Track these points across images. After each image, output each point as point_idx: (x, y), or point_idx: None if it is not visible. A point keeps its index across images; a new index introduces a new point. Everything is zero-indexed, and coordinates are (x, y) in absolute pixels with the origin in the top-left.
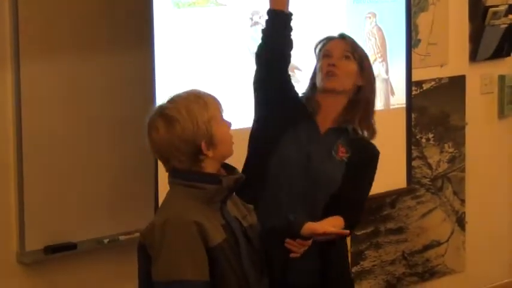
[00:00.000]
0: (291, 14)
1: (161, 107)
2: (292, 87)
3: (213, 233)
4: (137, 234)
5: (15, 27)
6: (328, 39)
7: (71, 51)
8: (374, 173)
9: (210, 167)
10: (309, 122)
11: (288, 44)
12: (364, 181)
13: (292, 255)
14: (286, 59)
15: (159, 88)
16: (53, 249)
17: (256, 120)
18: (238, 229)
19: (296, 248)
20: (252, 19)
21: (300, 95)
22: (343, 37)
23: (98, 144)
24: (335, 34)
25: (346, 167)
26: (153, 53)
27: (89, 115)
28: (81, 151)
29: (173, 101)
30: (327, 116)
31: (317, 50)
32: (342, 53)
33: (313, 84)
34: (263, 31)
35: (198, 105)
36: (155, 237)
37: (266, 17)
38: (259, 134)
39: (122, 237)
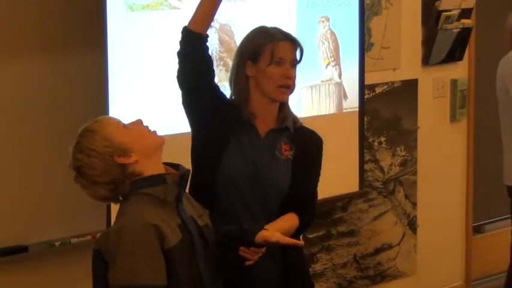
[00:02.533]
0: (207, 36)
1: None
2: (223, 96)
3: (169, 235)
4: (88, 237)
5: None
6: (278, 39)
7: (24, 51)
8: (321, 160)
9: (147, 169)
10: (249, 128)
11: (206, 62)
12: (312, 174)
13: (247, 263)
14: (208, 75)
15: (111, 90)
16: (3, 252)
17: (195, 137)
18: (194, 229)
19: (250, 256)
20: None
21: (229, 96)
22: (291, 39)
23: (48, 146)
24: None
25: (292, 164)
26: (107, 55)
27: (40, 117)
28: (31, 153)
29: (72, 149)
30: (266, 119)
31: (257, 47)
32: (291, 60)
33: (245, 83)
34: (179, 53)
35: (86, 139)
36: (111, 242)
37: (180, 37)
38: (202, 150)
39: (73, 240)
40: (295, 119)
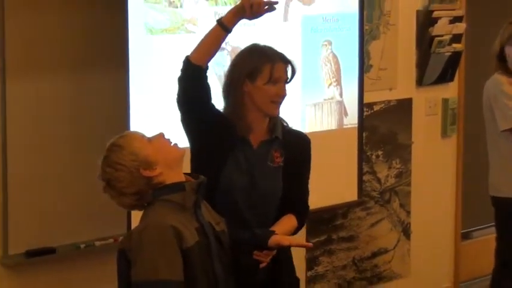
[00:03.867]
0: (207, 68)
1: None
2: (219, 115)
3: (187, 236)
4: (111, 240)
5: (1, 49)
6: (275, 61)
7: (53, 71)
8: (310, 159)
9: (169, 178)
10: (242, 143)
11: (204, 90)
12: (304, 175)
13: (261, 265)
14: (206, 101)
15: (132, 105)
16: (33, 253)
17: (194, 154)
18: (211, 232)
19: (264, 258)
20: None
21: (222, 110)
22: (283, 59)
23: (75, 156)
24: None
25: (283, 169)
26: (128, 73)
27: (67, 129)
28: (60, 163)
29: (102, 163)
30: (258, 131)
31: (255, 67)
32: (285, 80)
33: (241, 98)
34: (179, 79)
35: (114, 153)
36: (134, 242)
37: (181, 66)
38: (200, 167)
39: (97, 243)
40: (283, 124)
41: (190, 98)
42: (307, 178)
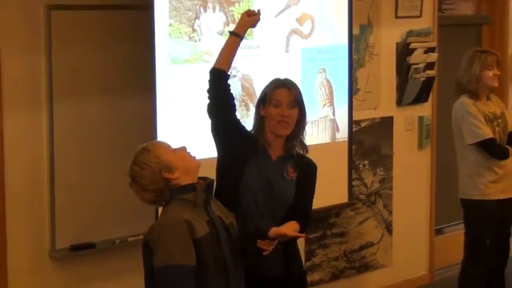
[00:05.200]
0: (229, 75)
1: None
2: (243, 127)
3: (198, 228)
4: (141, 237)
5: (49, 76)
6: (275, 87)
7: (92, 95)
8: (315, 182)
9: (184, 181)
10: (263, 153)
11: (229, 96)
12: (311, 192)
13: (264, 253)
14: (231, 108)
15: (159, 124)
16: (76, 248)
17: (220, 158)
18: (220, 224)
19: (266, 247)
20: (231, 73)
21: (250, 129)
22: (287, 87)
23: (113, 166)
24: (280, 77)
25: (296, 183)
26: (155, 97)
27: (104, 142)
28: (99, 172)
29: (130, 162)
30: (276, 148)
31: (265, 94)
32: (288, 103)
33: (260, 120)
34: (208, 90)
35: (142, 155)
36: (154, 233)
37: (208, 77)
38: (226, 169)
39: (129, 239)
40: (302, 148)
41: (218, 105)
42: (312, 195)
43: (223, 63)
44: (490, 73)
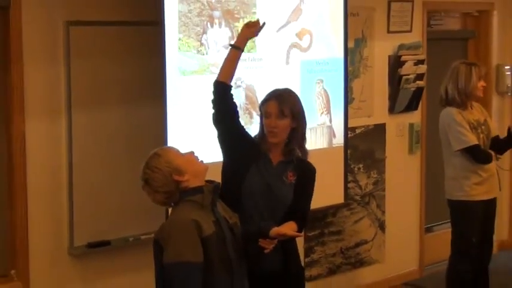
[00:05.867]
0: (231, 86)
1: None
2: (246, 133)
3: (206, 228)
4: (153, 235)
5: (68, 87)
6: (266, 100)
7: (108, 104)
8: (314, 184)
9: (193, 184)
10: (265, 159)
11: (232, 106)
12: (308, 194)
13: (265, 251)
14: (234, 116)
15: (169, 130)
16: (93, 245)
17: (225, 163)
18: (225, 224)
19: (267, 245)
20: (236, 83)
21: (254, 135)
22: (276, 98)
23: (127, 169)
24: (279, 88)
25: (294, 186)
26: (166, 106)
27: (120, 149)
28: (114, 174)
29: (143, 166)
30: (276, 153)
31: (260, 106)
32: (276, 113)
33: (262, 128)
34: (212, 101)
35: (153, 160)
36: (164, 232)
37: (212, 89)
38: (230, 174)
39: (142, 237)
40: (303, 153)
41: (223, 115)
42: (310, 196)
43: (225, 76)
44: (479, 84)
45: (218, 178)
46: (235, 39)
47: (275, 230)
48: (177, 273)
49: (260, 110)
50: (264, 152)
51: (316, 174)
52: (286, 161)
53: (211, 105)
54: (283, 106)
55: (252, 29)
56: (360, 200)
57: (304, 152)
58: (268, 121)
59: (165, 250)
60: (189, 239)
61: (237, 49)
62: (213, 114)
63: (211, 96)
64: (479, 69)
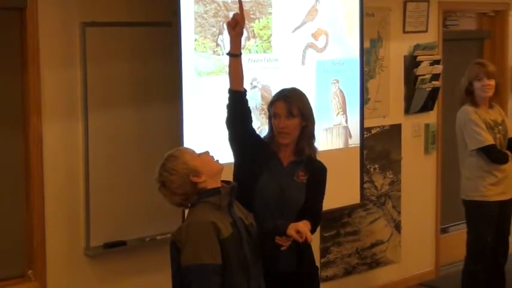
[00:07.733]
0: (245, 91)
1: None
2: (258, 136)
3: (223, 229)
4: (169, 235)
5: (84, 87)
6: (273, 101)
7: (124, 105)
8: (325, 183)
9: (210, 185)
10: (275, 160)
11: (246, 112)
12: (320, 192)
13: (282, 248)
14: (248, 121)
15: (185, 131)
16: (109, 245)
17: (236, 165)
18: (242, 225)
19: (283, 243)
20: (251, 84)
21: (264, 136)
22: (283, 98)
23: (142, 170)
24: (285, 88)
25: (306, 186)
26: (182, 106)
27: (136, 149)
28: (130, 175)
29: (159, 168)
30: (286, 153)
31: (269, 107)
32: (285, 113)
33: (271, 129)
34: (227, 106)
35: (170, 162)
36: (182, 234)
37: (227, 96)
38: (241, 176)
39: (158, 237)
40: (312, 151)
41: (236, 120)
42: (323, 194)
43: (236, 84)
44: (479, 84)
45: (231, 179)
46: (242, 44)
47: (292, 226)
48: (196, 275)
49: (268, 111)
50: (274, 153)
51: (332, 175)
52: (297, 160)
53: (225, 109)
54: (292, 106)
55: (238, 26)
56: (376, 200)
57: (314, 150)
58: (278, 122)
59: (182, 252)
60: (207, 241)
61: (234, 56)
62: (227, 117)
63: (226, 101)
64: (482, 67)
